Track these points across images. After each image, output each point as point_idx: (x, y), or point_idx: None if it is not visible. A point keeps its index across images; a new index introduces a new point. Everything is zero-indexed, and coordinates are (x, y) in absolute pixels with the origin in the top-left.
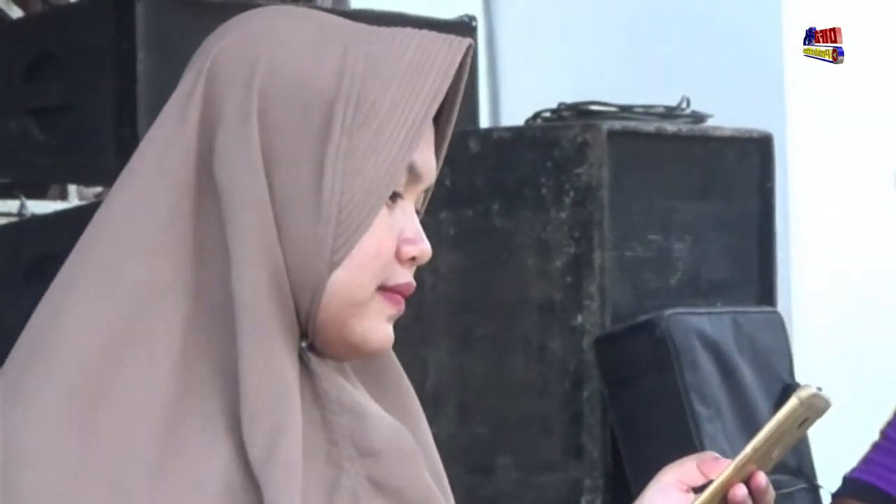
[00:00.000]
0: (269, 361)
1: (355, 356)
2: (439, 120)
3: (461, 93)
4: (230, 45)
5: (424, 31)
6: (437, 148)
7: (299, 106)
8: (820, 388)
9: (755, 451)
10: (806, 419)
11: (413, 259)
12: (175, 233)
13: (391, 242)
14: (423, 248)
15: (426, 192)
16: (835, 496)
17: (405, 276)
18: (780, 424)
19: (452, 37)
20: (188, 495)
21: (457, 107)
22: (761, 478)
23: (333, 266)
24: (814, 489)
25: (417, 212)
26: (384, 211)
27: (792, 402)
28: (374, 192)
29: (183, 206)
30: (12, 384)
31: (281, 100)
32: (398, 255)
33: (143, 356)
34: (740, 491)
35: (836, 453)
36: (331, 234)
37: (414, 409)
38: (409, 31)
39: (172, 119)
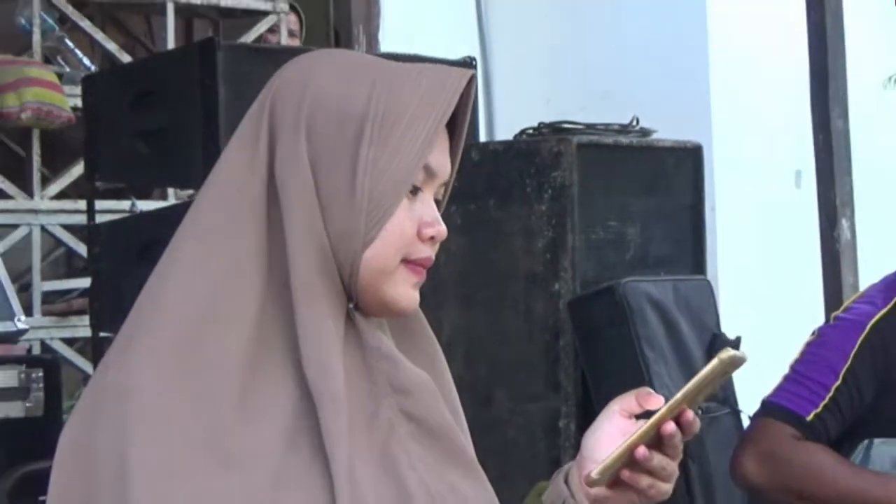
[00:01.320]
0: (319, 321)
1: (390, 314)
2: (454, 131)
3: (469, 110)
4: (286, 80)
5: (437, 65)
6: (453, 152)
7: (336, 123)
8: (740, 339)
9: (684, 396)
10: (725, 372)
11: (432, 238)
12: (252, 222)
13: (412, 226)
14: (439, 229)
15: (445, 186)
16: (753, 417)
17: (426, 252)
18: (705, 377)
19: (458, 68)
20: (263, 419)
21: (466, 120)
22: (689, 414)
23: (366, 246)
24: (735, 413)
25: (438, 202)
26: (405, 202)
27: (714, 362)
28: (395, 188)
29: (258, 202)
30: (129, 334)
31: (322, 119)
32: (419, 235)
33: (229, 315)
34: (670, 426)
35: (753, 386)
36: (363, 222)
37: (439, 361)
38: (426, 65)
39: (246, 137)
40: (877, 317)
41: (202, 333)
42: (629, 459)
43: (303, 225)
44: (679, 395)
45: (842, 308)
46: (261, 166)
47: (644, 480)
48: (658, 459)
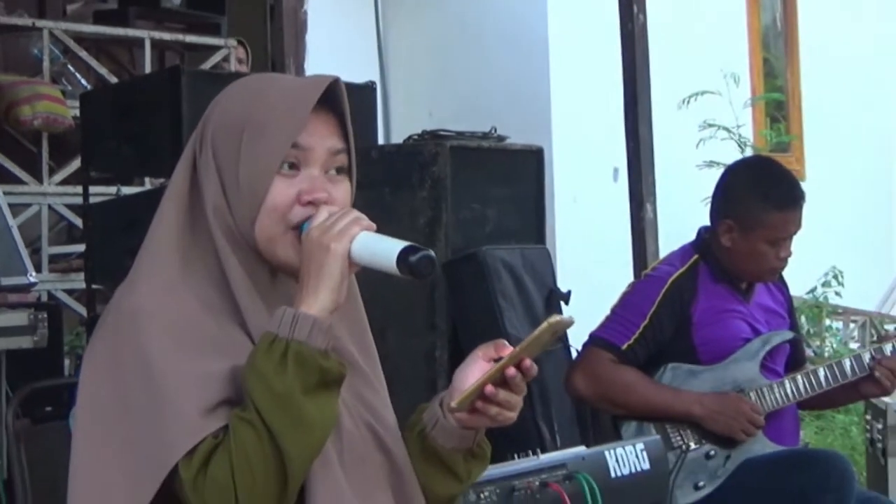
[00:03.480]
0: (235, 265)
1: (288, 271)
2: (343, 118)
3: (345, 101)
4: (212, 104)
5: (309, 76)
6: (343, 131)
7: (228, 134)
8: (570, 292)
9: (522, 349)
10: (555, 332)
11: (311, 203)
12: (185, 207)
13: (288, 196)
14: (315, 195)
15: (337, 157)
16: (582, 346)
17: (307, 213)
18: (539, 335)
19: (319, 76)
20: (233, 327)
21: (346, 105)
22: (528, 362)
23: (253, 220)
24: (567, 347)
25: (344, 169)
26: (282, 179)
27: (544, 325)
28: (265, 171)
29: (189, 195)
30: (134, 277)
31: (221, 133)
32: (299, 201)
33: (194, 259)
34: (510, 370)
35: (581, 326)
36: (246, 203)
37: (357, 310)
38: (302, 78)
39: (188, 147)
40: (675, 274)
41: (184, 271)
42: (482, 393)
43: (214, 211)
44: (517, 348)
45: (650, 268)
46: (189, 167)
47: (492, 409)
48: (503, 395)
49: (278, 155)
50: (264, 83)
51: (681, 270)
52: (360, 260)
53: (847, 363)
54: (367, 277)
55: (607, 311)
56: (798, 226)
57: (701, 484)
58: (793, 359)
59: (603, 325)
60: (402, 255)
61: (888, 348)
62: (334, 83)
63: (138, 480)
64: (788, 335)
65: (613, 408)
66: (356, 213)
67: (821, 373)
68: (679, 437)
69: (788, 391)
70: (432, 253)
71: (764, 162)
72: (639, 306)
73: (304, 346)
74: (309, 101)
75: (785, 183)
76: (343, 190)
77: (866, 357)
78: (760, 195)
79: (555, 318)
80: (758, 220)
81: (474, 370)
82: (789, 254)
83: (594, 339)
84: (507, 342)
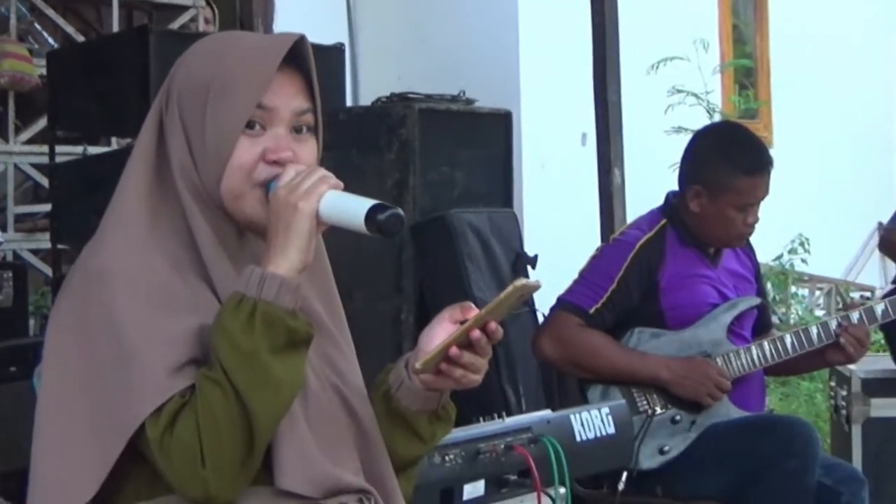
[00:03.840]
0: (202, 223)
1: (255, 229)
2: (309, 76)
3: (310, 58)
4: (177, 64)
5: (274, 35)
6: (310, 90)
7: (194, 94)
8: (537, 256)
9: (487, 311)
10: (521, 295)
11: (275, 162)
12: (152, 167)
13: (251, 157)
14: (280, 154)
15: (303, 117)
16: (550, 309)
17: (273, 171)
18: (504, 298)
19: (284, 34)
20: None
21: (312, 64)
22: (492, 325)
23: (219, 179)
24: (533, 312)
25: (311, 128)
26: (247, 139)
27: (509, 288)
28: (230, 131)
29: (156, 154)
30: (100, 236)
31: (186, 92)
32: (264, 160)
33: (162, 218)
34: (476, 333)
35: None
36: (212, 162)
37: (324, 270)
38: (262, 35)
39: (153, 106)
40: (643, 239)
41: (151, 229)
42: (447, 355)
43: (180, 169)
44: (483, 311)
45: (618, 233)
46: (156, 127)
47: (457, 372)
48: (468, 357)
49: (243, 114)
50: (229, 42)
51: (649, 235)
52: (327, 219)
53: (814, 330)
54: (335, 240)
55: (575, 276)
56: (766, 191)
57: (666, 448)
58: (759, 324)
59: (570, 289)
60: (371, 214)
61: (854, 316)
62: (300, 41)
63: (104, 439)
64: (755, 301)
65: (580, 371)
66: (323, 172)
67: (787, 339)
68: (645, 402)
69: (755, 357)
70: (400, 211)
71: (732, 127)
72: (606, 270)
73: (271, 306)
74: (273, 59)
75: (753, 148)
76: (309, 149)
77: (833, 324)
78: (729, 160)
79: (520, 282)
80: (726, 185)
81: (440, 332)
82: (756, 219)
83: (562, 303)
84: (473, 304)
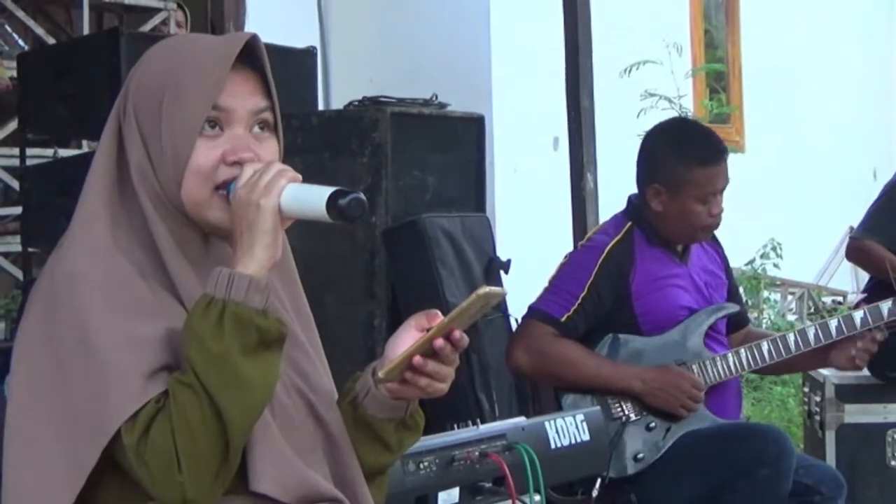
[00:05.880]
0: (163, 230)
1: (220, 234)
2: (265, 75)
3: (264, 56)
4: (132, 69)
5: (226, 35)
6: (266, 88)
7: (149, 99)
8: (510, 261)
9: (450, 319)
10: (486, 303)
11: (236, 163)
12: (112, 174)
13: (213, 157)
14: (241, 155)
15: (261, 115)
16: (522, 318)
17: (232, 172)
18: (468, 306)
19: (236, 34)
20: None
21: (266, 62)
22: (457, 333)
23: (179, 184)
24: (506, 317)
25: (267, 125)
26: (206, 141)
27: (472, 297)
28: (187, 134)
29: (117, 160)
30: (65, 242)
31: (141, 98)
32: (224, 161)
33: (124, 224)
34: (439, 341)
35: (520, 296)
36: (170, 167)
37: (290, 271)
38: (218, 37)
39: (112, 114)
40: (611, 243)
41: (115, 240)
42: (411, 364)
43: (140, 176)
44: (446, 319)
45: (585, 238)
46: (115, 134)
47: (422, 381)
48: (432, 366)
49: (199, 117)
50: (182, 45)
51: (616, 239)
52: (290, 212)
53: (791, 338)
54: (306, 244)
55: (545, 283)
56: (725, 180)
57: (640, 455)
58: (733, 322)
59: (541, 298)
60: (332, 200)
61: (833, 325)
62: (251, 40)
63: (79, 448)
64: (733, 308)
65: (554, 381)
66: (280, 166)
67: (764, 347)
68: (619, 408)
69: (731, 364)
70: (361, 195)
71: (680, 122)
72: (576, 277)
73: (241, 307)
74: (226, 60)
75: (705, 139)
76: (269, 147)
77: (811, 332)
78: (681, 155)
79: (483, 290)
80: (683, 179)
81: (405, 339)
82: (721, 209)
83: (532, 312)
84: (439, 312)
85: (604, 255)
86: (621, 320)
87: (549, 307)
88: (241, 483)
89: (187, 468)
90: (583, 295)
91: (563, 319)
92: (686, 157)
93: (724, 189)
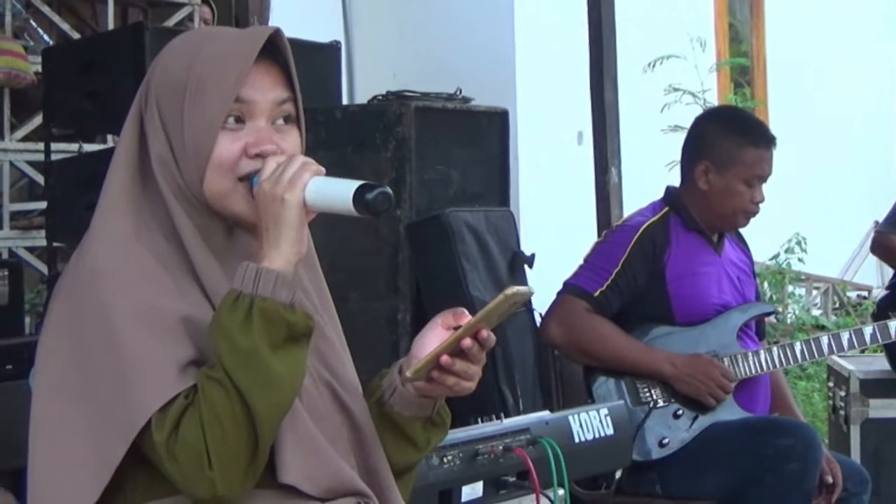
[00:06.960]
0: (186, 222)
1: (245, 226)
2: (287, 67)
3: (287, 48)
4: (153, 63)
5: (249, 29)
6: (288, 80)
7: (171, 92)
8: (534, 255)
9: (478, 319)
10: (514, 303)
11: (258, 155)
12: (135, 166)
13: (233, 152)
14: (263, 147)
15: (283, 107)
16: (557, 293)
17: (255, 165)
18: (495, 306)
19: (259, 28)
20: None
21: (289, 55)
22: (484, 332)
23: (201, 177)
24: (530, 312)
25: (291, 118)
26: (228, 134)
27: (499, 297)
28: (209, 128)
29: (139, 154)
30: (89, 237)
31: (164, 91)
32: (246, 154)
33: (147, 217)
34: (467, 341)
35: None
36: (193, 160)
37: (314, 266)
38: (241, 31)
39: (134, 105)
40: (647, 224)
41: (138, 233)
42: (438, 363)
43: (162, 169)
44: (474, 318)
45: (621, 221)
46: (137, 126)
47: (450, 380)
48: (460, 365)
49: (221, 110)
50: (204, 38)
51: (653, 219)
52: (315, 206)
53: (825, 341)
54: (329, 239)
55: (575, 268)
56: (770, 168)
57: (666, 440)
58: (755, 331)
59: (576, 273)
60: (358, 195)
61: (867, 331)
62: (275, 34)
63: (106, 442)
64: (769, 308)
65: (584, 357)
66: (303, 159)
67: (797, 347)
68: (648, 394)
69: (763, 361)
70: (388, 189)
71: (734, 108)
72: (611, 254)
73: (268, 302)
74: (249, 53)
75: (757, 122)
76: (292, 139)
77: (844, 337)
78: (736, 132)
79: (511, 290)
80: (735, 157)
81: (432, 338)
82: (762, 199)
83: (567, 287)
84: (465, 311)
85: (639, 233)
86: (653, 300)
87: (583, 282)
88: (268, 476)
89: (217, 463)
90: (616, 271)
91: (597, 294)
92: (739, 136)
93: (767, 178)
